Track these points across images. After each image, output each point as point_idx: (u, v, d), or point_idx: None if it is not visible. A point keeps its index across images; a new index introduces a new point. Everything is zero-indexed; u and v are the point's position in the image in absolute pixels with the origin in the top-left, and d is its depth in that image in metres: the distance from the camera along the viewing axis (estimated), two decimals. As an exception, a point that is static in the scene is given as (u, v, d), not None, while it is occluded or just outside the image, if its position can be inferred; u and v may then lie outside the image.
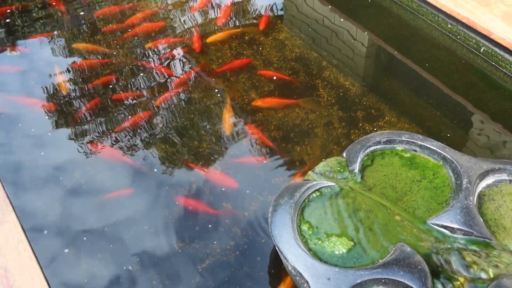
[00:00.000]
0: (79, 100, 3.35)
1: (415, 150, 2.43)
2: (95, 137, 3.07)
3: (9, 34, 3.97)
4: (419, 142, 2.41)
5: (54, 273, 2.35)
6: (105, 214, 2.64)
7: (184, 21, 4.11)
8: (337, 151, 2.95)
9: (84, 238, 2.52)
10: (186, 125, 3.14)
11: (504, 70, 3.45)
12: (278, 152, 2.95)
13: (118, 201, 2.70)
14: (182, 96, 3.36)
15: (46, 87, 3.45)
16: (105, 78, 3.48)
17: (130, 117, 3.18)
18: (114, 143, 3.03)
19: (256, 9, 4.24)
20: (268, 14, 4.08)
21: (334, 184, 2.29)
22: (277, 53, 3.70)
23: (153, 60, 3.67)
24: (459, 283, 1.90)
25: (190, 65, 3.64)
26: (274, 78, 3.43)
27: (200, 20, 4.10)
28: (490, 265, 1.94)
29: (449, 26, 3.75)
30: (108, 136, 3.07)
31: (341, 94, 3.35)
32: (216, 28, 3.99)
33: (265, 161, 2.91)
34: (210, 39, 3.83)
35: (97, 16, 4.14)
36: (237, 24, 4.06)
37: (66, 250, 2.46)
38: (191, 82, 3.48)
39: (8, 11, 4.20)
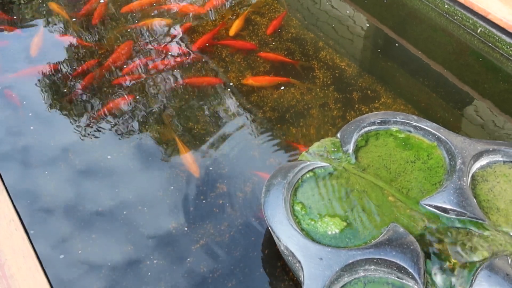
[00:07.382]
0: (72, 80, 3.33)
1: (409, 131, 2.41)
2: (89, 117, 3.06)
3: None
4: (414, 123, 2.39)
5: (46, 252, 2.34)
6: (101, 192, 2.63)
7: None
8: (332, 132, 2.93)
9: (79, 216, 2.51)
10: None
11: (500, 51, 3.42)
12: (273, 132, 2.94)
13: (116, 180, 2.70)
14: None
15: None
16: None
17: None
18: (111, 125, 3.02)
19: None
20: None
21: (327, 164, 2.28)
22: (273, 33, 3.67)
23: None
24: (451, 263, 1.91)
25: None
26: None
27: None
28: (482, 246, 1.95)
29: (446, 6, 3.71)
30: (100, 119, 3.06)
31: (337, 75, 3.32)
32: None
33: (259, 142, 2.90)
34: (232, 32, 3.68)
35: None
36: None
37: (60, 229, 2.45)
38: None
39: None
